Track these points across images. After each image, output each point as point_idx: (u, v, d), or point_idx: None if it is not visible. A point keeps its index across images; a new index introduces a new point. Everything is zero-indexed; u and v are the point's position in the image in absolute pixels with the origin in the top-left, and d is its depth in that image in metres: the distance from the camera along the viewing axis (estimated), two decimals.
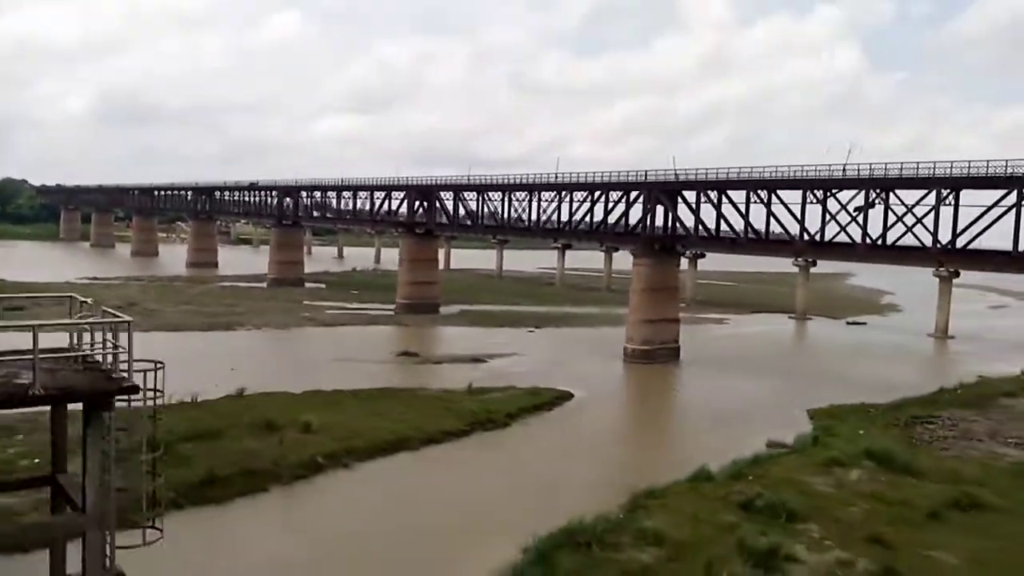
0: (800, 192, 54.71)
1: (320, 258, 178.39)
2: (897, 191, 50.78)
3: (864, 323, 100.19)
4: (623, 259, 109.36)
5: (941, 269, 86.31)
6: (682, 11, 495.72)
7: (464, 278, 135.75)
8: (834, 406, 48.30)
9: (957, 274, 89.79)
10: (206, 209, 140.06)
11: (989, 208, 46.48)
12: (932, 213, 49.09)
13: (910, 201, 50.89)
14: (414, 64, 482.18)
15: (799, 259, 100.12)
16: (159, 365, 14.67)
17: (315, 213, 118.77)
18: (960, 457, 37.35)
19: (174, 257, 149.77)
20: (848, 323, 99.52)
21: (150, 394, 14.59)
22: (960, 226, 49.27)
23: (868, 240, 52.48)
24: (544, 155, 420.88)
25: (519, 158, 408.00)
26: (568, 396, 49.14)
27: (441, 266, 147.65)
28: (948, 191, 47.88)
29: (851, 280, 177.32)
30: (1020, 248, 45.11)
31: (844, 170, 51.66)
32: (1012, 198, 44.93)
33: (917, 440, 40.59)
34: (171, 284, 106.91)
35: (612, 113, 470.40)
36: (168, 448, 32.03)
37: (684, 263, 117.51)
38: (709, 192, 60.06)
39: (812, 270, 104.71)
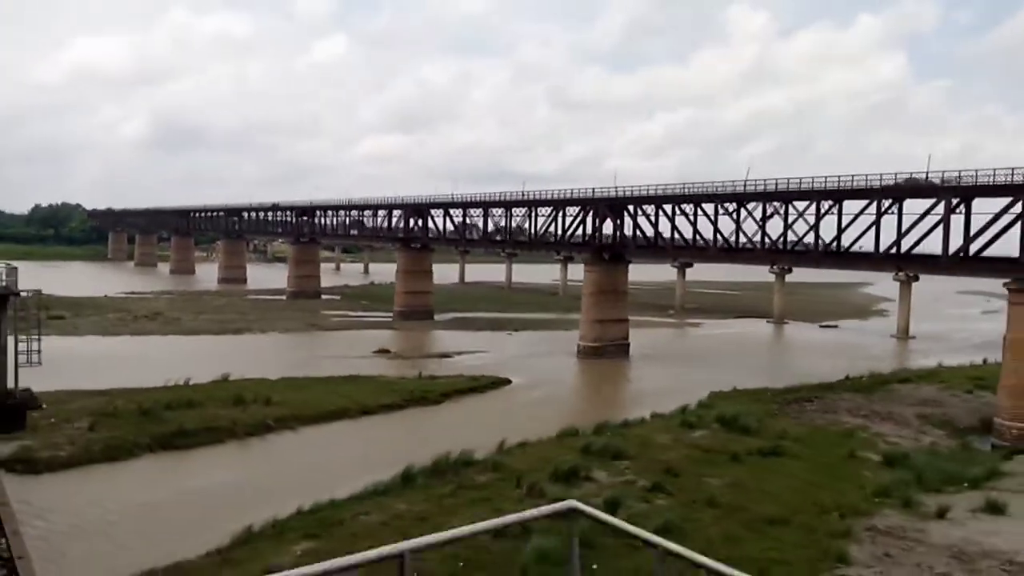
0: (715, 204, 62.46)
1: (348, 273, 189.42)
2: (795, 202, 58.24)
3: (836, 326, 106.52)
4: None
5: (900, 274, 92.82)
6: (721, 24, 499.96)
7: (473, 290, 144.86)
8: (736, 389, 55.65)
9: (916, 278, 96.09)
10: (236, 229, 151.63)
11: (856, 216, 53.83)
12: (821, 220, 56.50)
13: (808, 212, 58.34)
14: (454, 83, 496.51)
15: (775, 267, 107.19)
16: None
17: (327, 231, 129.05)
18: (803, 424, 44.78)
19: (209, 274, 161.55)
20: (821, 326, 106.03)
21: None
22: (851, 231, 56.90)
23: (767, 244, 60.12)
24: (582, 168, 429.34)
25: (557, 172, 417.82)
26: (506, 382, 57.57)
27: (456, 279, 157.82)
28: (831, 202, 55.29)
29: (866, 289, 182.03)
30: (880, 250, 52.35)
31: (745, 185, 59.42)
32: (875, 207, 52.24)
33: (781, 412, 48.04)
34: (198, 297, 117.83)
35: (652, 126, 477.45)
36: (153, 413, 41.70)
37: (673, 272, 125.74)
38: (644, 206, 68.16)
39: (828, 279, 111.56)
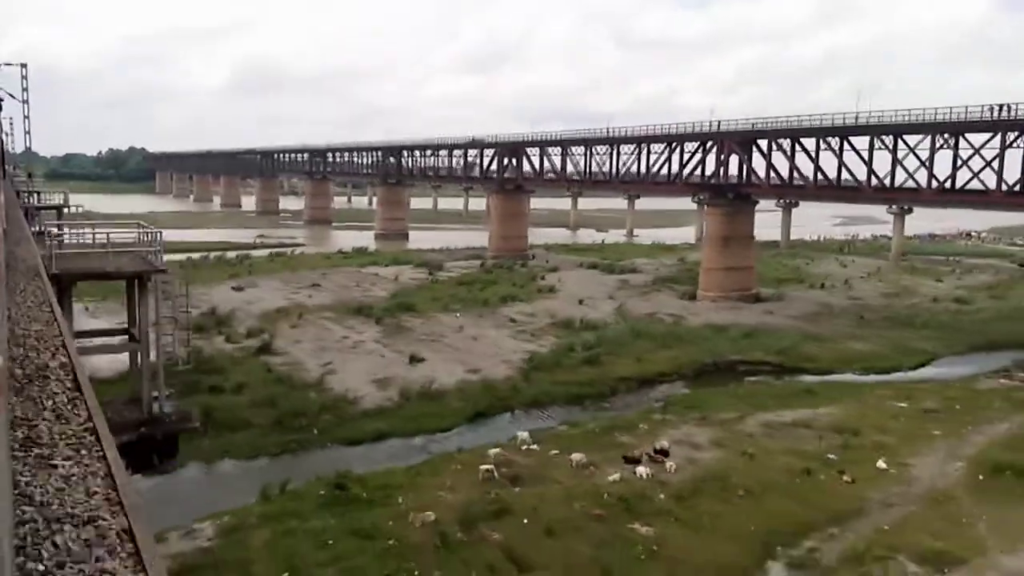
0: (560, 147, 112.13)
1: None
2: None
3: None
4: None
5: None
6: None
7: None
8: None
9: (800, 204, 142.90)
10: (233, 168, 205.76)
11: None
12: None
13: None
14: (523, 25, 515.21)
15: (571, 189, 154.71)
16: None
17: (284, 168, 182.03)
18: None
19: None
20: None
21: None
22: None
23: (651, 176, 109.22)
24: (650, 107, 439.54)
25: (625, 111, 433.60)
26: (302, 245, 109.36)
27: None
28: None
29: None
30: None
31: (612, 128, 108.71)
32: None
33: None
34: (196, 214, 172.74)
35: (724, 63, 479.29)
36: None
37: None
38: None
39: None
